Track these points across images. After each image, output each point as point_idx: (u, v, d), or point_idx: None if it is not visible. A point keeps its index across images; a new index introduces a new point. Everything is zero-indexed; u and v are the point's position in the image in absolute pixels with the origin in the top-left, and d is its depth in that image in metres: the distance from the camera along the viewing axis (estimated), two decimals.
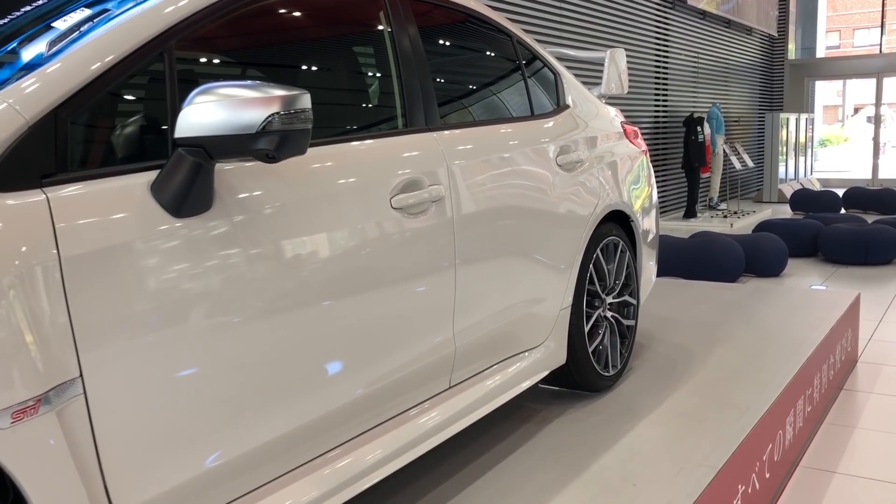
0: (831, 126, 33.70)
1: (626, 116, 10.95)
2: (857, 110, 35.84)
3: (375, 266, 1.91)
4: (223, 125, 1.42)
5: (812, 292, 4.81)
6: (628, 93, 10.29)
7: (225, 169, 1.60)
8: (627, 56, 10.39)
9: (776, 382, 3.12)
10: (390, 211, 1.96)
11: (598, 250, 2.94)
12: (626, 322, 3.18)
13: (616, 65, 3.54)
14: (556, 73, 3.02)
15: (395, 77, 2.17)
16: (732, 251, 6.90)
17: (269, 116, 1.43)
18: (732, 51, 13.94)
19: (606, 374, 3.01)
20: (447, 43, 2.55)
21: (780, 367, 3.30)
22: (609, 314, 3.08)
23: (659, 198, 11.40)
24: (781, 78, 16.45)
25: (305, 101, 1.48)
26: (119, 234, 1.41)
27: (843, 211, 11.80)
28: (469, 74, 2.68)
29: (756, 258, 7.08)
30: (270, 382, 1.68)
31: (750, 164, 11.96)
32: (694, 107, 12.22)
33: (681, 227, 10.51)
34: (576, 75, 3.33)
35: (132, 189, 1.45)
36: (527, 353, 2.62)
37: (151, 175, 1.49)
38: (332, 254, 1.79)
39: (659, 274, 7.13)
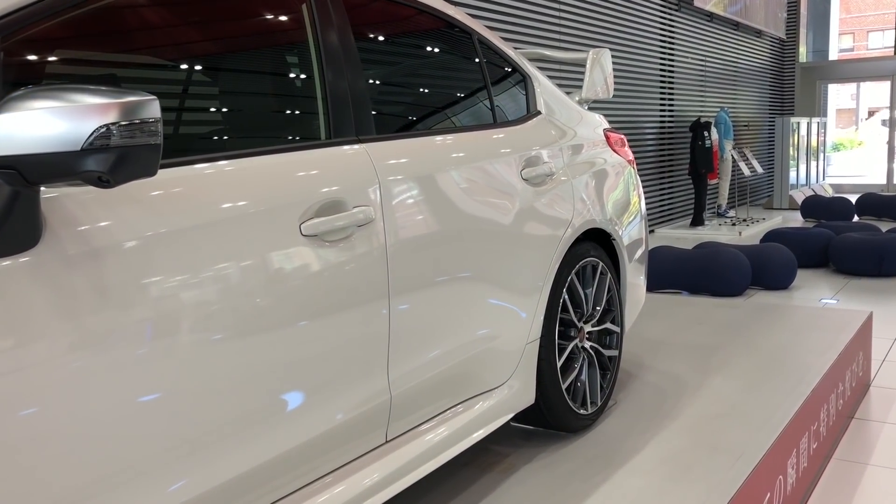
0: (845, 130, 33.21)
1: (630, 121, 10.54)
2: (871, 114, 35.33)
3: (275, 306, 1.58)
4: (40, 141, 1.11)
5: (819, 311, 4.46)
6: (633, 97, 10.00)
7: (63, 194, 1.29)
8: (631, 59, 10.11)
9: (776, 420, 2.78)
10: (299, 238, 1.64)
11: (573, 274, 2.62)
12: (607, 353, 2.85)
13: (601, 66, 3.22)
14: (525, 76, 2.70)
15: (318, 79, 1.85)
16: (738, 263, 6.55)
17: (100, 129, 1.12)
18: (741, 54, 13.57)
19: (584, 412, 2.68)
20: (388, 40, 2.23)
21: (781, 401, 2.96)
22: (587, 345, 2.75)
23: (665, 205, 11.11)
24: (792, 81, 16.06)
25: (152, 108, 1.16)
26: None
27: (856, 218, 11.40)
28: (416, 77, 2.36)
29: (763, 270, 6.72)
30: (140, 454, 1.37)
31: (759, 169, 11.58)
32: (701, 111, 11.87)
33: (687, 236, 10.17)
34: (563, 79, 3.02)
35: None
36: (486, 395, 2.29)
37: None
38: (213, 296, 1.47)
39: (660, 288, 6.85)
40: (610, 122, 9.94)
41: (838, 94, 28.96)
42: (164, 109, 1.22)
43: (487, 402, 2.27)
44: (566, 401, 2.58)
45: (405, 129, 2.14)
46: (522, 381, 2.40)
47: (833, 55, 18.26)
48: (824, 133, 16.00)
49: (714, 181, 11.33)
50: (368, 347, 1.82)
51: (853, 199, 11.77)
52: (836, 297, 6.50)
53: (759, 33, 14.30)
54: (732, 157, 11.44)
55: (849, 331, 3.93)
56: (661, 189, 11.01)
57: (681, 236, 10.27)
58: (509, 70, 2.65)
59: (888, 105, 16.61)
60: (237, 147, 1.68)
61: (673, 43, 11.01)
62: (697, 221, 10.83)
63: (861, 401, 4.08)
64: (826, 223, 9.12)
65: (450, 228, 2.06)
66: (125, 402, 1.33)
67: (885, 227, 9.13)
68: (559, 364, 2.55)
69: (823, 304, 6.21)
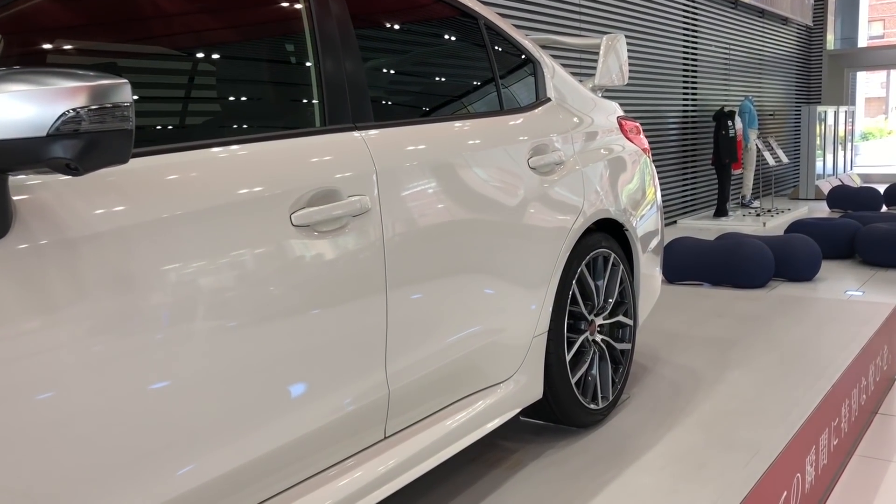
0: (874, 119, 32.61)
1: (652, 110, 10.34)
2: None
3: (263, 299, 1.53)
4: (5, 126, 1.06)
5: (843, 304, 4.35)
6: (655, 86, 9.84)
7: (35, 182, 1.24)
8: (653, 47, 9.95)
9: (795, 416, 2.69)
10: (289, 229, 1.59)
11: (583, 265, 2.54)
12: (619, 346, 2.77)
13: (616, 53, 3.13)
14: (535, 62, 2.63)
15: (313, 64, 1.79)
16: (761, 254, 6.41)
17: (67, 113, 1.07)
18: (766, 41, 13.33)
19: (594, 407, 2.61)
20: (389, 24, 2.17)
21: (800, 397, 2.87)
22: (599, 338, 2.67)
23: (688, 196, 10.95)
24: (819, 70, 15.76)
25: (123, 92, 1.11)
26: None
27: (884, 208, 11.16)
28: (418, 63, 2.30)
29: (787, 262, 6.57)
30: (134, 443, 1.32)
31: (784, 159, 11.37)
32: (725, 100, 11.67)
33: (711, 227, 10.01)
34: (580, 66, 2.93)
35: None
36: (491, 390, 2.23)
37: None
38: (196, 289, 1.42)
39: (681, 279, 6.73)
40: (631, 111, 9.73)
41: (867, 83, 28.44)
42: (151, 95, 1.17)
43: (493, 396, 2.21)
44: (575, 395, 2.51)
45: (406, 116, 2.08)
46: (529, 375, 2.33)
47: (862, 42, 17.88)
48: (852, 122, 15.68)
49: (738, 171, 11.15)
50: (364, 341, 1.76)
51: (881, 188, 11.52)
52: (861, 288, 6.35)
53: (785, 20, 14.03)
54: (757, 147, 11.24)
55: (873, 324, 3.82)
56: (683, 179, 10.85)
57: (704, 227, 10.12)
58: (518, 56, 2.58)
59: None
60: (223, 134, 1.63)
61: (696, 30, 10.82)
62: (721, 212, 10.66)
63: (885, 395, 3.96)
64: (853, 213, 8.92)
65: (451, 218, 2.00)
66: (98, 395, 1.28)
67: None
68: (568, 358, 2.48)
69: (849, 296, 6.07)
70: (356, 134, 1.81)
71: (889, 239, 7.07)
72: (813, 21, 15.34)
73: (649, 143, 10.23)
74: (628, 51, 9.43)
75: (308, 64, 1.80)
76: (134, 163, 1.35)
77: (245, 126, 1.71)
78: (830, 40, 16.03)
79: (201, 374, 1.43)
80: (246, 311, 1.50)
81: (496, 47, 2.46)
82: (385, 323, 1.80)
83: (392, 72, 2.15)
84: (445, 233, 1.98)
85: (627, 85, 9.15)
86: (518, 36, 2.60)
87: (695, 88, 10.92)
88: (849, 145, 15.41)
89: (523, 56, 2.59)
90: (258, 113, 1.76)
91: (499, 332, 2.21)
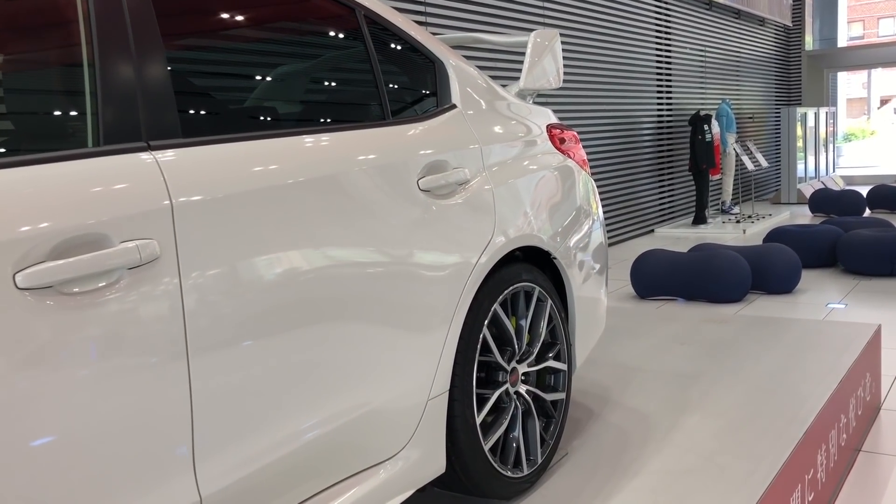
0: (856, 119, 32.46)
1: (625, 116, 9.90)
2: (883, 102, 34.58)
3: None
4: None
5: (819, 326, 3.92)
6: (628, 90, 9.44)
7: None
8: (625, 50, 9.55)
9: (760, 475, 2.26)
10: (14, 294, 1.14)
11: (497, 304, 2.10)
12: (550, 397, 2.33)
13: (551, 50, 2.70)
14: (436, 62, 2.19)
15: (86, 67, 1.35)
16: (737, 267, 6.01)
17: None
18: (743, 43, 12.98)
19: (516, 476, 2.16)
20: (222, 15, 1.71)
21: (767, 449, 2.44)
22: (523, 389, 2.23)
23: (665, 204, 10.54)
24: (799, 71, 15.44)
25: None
26: None
27: (868, 212, 10.79)
28: (265, 64, 1.84)
29: (765, 273, 6.17)
30: None
31: (764, 163, 10.99)
32: (702, 104, 11.30)
33: (689, 235, 9.63)
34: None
35: None
36: (370, 472, 1.77)
37: None
38: None
39: (653, 295, 6.30)
40: (603, 116, 9.27)
41: (849, 83, 28.27)
42: None
43: (372, 481, 1.75)
44: (491, 464, 2.06)
45: (238, 129, 1.61)
46: (425, 447, 1.88)
47: (842, 43, 17.60)
48: (834, 123, 15.36)
49: (716, 177, 10.77)
50: (154, 434, 1.31)
51: (865, 191, 11.16)
52: (843, 300, 5.95)
53: (762, 21, 13.70)
54: (735, 151, 10.86)
55: (853, 350, 3.40)
56: (660, 186, 10.45)
57: (682, 235, 9.74)
58: (412, 55, 2.14)
59: None
60: None
61: (669, 32, 10.45)
62: (700, 219, 10.27)
63: (869, 429, 3.54)
64: (836, 218, 8.55)
65: (297, 261, 1.56)
66: None
67: None
68: (479, 420, 2.03)
69: (830, 308, 5.66)
70: (145, 156, 1.36)
71: (871, 246, 6.68)
72: (791, 21, 15.02)
73: (624, 149, 9.81)
74: (601, 54, 9.07)
75: (77, 64, 1.35)
76: None
77: None
78: (809, 41, 15.73)
79: None
80: None
81: (381, 44, 2.02)
82: (188, 407, 1.35)
83: (221, 75, 1.70)
84: (288, 279, 1.54)
85: (599, 89, 8.79)
86: (415, 32, 2.17)
87: (669, 92, 10.54)
88: (831, 147, 15.07)
89: (420, 56, 2.16)
90: None
91: (376, 400, 1.76)
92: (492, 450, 2.08)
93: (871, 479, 3.08)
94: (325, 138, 1.72)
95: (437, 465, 1.93)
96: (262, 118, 1.74)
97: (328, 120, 1.86)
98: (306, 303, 1.57)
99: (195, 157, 1.43)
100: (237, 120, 1.68)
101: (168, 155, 1.39)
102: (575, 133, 2.73)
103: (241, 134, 1.56)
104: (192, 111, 1.53)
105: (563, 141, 2.59)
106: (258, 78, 1.79)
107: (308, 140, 1.68)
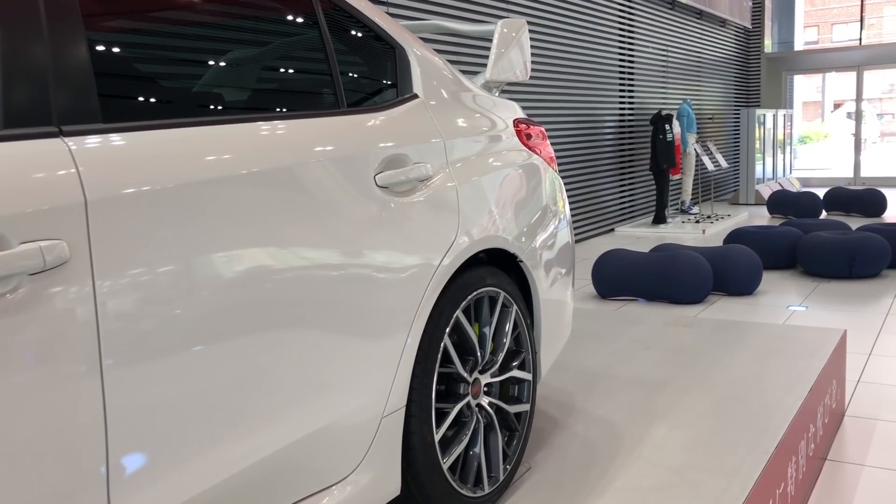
0: (811, 122, 33.02)
1: (587, 114, 9.80)
2: (836, 106, 35.23)
3: None
4: None
5: (786, 331, 3.85)
6: (590, 88, 9.37)
7: None
8: (587, 48, 9.47)
9: (733, 493, 2.15)
10: None
11: (460, 312, 1.95)
12: (514, 409, 2.19)
13: (518, 41, 2.55)
14: (397, 48, 2.03)
15: None
16: (698, 268, 5.95)
17: None
18: (705, 44, 13.02)
19: (477, 494, 2.02)
20: None
21: (740, 463, 2.33)
22: (485, 401, 2.09)
23: (625, 203, 10.50)
24: (758, 73, 15.57)
25: None
26: None
27: (824, 214, 10.89)
28: (203, 47, 1.66)
29: (726, 275, 6.13)
30: None
31: (723, 164, 11.02)
32: (663, 103, 11.29)
33: (649, 235, 9.60)
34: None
35: None
36: (317, 497, 1.61)
37: None
38: None
39: (614, 295, 6.21)
40: (565, 113, 9.17)
41: (804, 87, 28.72)
42: None
43: None
44: (450, 484, 1.91)
45: (169, 115, 1.43)
46: (378, 468, 1.72)
47: (799, 47, 17.82)
48: (791, 125, 15.53)
49: (677, 176, 10.76)
50: (63, 463, 1.13)
51: (821, 193, 11.26)
52: (804, 303, 5.93)
53: (723, 22, 13.76)
54: (696, 152, 10.87)
55: (821, 357, 3.32)
56: (621, 185, 10.41)
57: (642, 235, 9.71)
58: (371, 40, 1.98)
59: (853, 97, 16.23)
60: None
61: (633, 31, 10.40)
62: (659, 219, 10.25)
63: (834, 437, 3.47)
64: (794, 220, 8.58)
65: (231, 262, 1.38)
66: None
67: (854, 223, 8.62)
68: (438, 437, 1.88)
69: (792, 311, 5.63)
70: (55, 143, 1.17)
71: (831, 249, 6.69)
72: (751, 23, 15.13)
73: (585, 147, 9.70)
74: (563, 51, 8.97)
75: None
76: None
77: None
78: (768, 44, 15.87)
79: None
80: None
81: (337, 27, 1.85)
82: (103, 433, 1.17)
83: (157, 55, 1.51)
84: (224, 283, 1.36)
85: (562, 86, 8.69)
86: (375, 16, 2.00)
87: (631, 91, 10.49)
88: (788, 149, 15.24)
89: (380, 40, 1.99)
90: None
91: (324, 418, 1.59)
92: (451, 468, 1.93)
93: (838, 488, 3.01)
94: (265, 127, 1.55)
95: (391, 487, 1.77)
96: (195, 104, 1.55)
97: (274, 108, 1.69)
98: (245, 310, 1.40)
99: (117, 145, 1.25)
100: (168, 106, 1.49)
101: (84, 142, 1.21)
102: (542, 129, 2.59)
103: (170, 121, 1.37)
104: (116, 95, 1.34)
105: (529, 136, 2.44)
106: (192, 59, 1.60)
107: (248, 129, 1.51)
